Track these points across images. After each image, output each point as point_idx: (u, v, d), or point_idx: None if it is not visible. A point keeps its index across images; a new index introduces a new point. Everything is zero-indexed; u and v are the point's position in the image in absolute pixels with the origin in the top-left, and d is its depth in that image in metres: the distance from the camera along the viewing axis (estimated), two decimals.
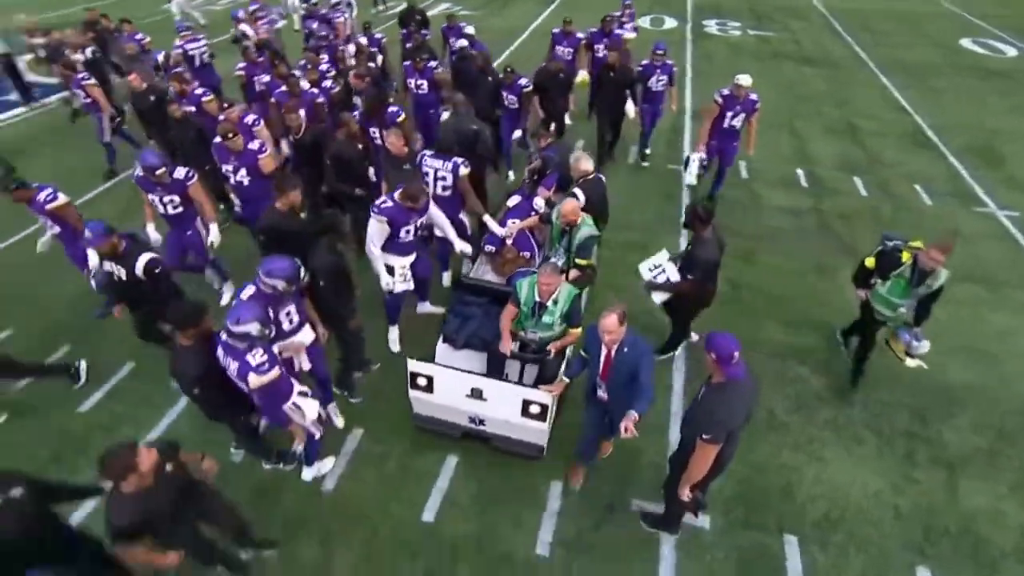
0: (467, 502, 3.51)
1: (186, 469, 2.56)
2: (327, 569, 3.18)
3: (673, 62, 6.85)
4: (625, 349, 2.92)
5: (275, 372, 2.77)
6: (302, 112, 5.17)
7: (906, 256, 3.71)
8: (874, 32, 13.08)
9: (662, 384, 4.18)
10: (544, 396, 3.31)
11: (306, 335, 3.45)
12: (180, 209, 4.64)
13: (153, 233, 4.68)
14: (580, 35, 7.68)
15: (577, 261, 3.94)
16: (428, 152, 4.59)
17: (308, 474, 3.63)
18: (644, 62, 6.81)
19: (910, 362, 3.96)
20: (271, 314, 3.13)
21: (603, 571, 3.20)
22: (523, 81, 6.16)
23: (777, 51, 11.73)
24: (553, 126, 5.70)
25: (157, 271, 3.67)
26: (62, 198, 4.35)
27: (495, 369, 3.68)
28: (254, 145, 4.89)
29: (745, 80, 5.70)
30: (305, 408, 3.08)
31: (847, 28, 13.30)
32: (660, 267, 4.05)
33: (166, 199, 4.55)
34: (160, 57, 7.68)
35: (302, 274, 3.27)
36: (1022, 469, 3.70)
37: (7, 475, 2.36)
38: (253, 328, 2.70)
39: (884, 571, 3.18)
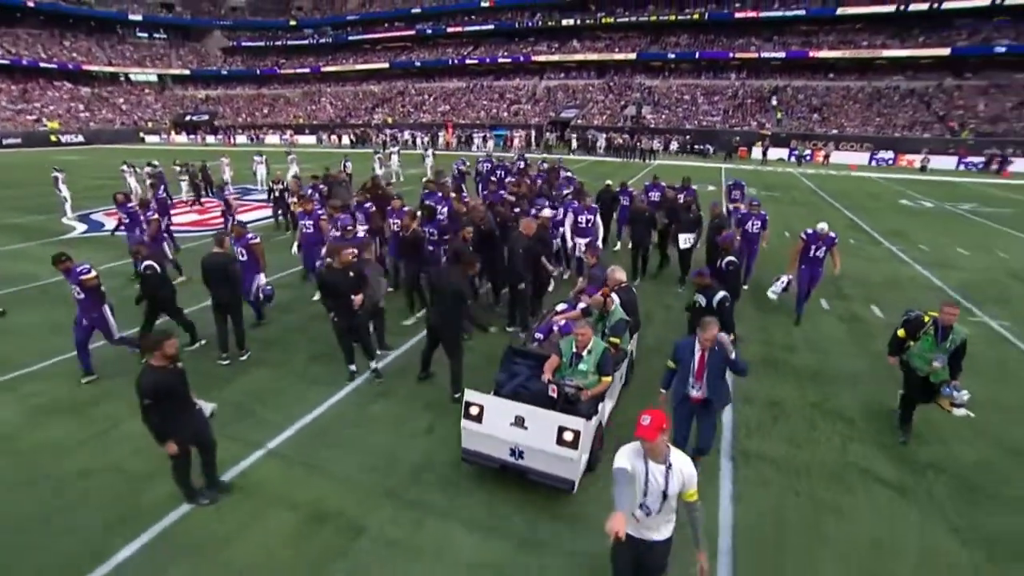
0: None
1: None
2: None
3: (766, 212, 9.36)
4: (715, 348, 4.22)
5: None
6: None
7: (927, 317, 4.88)
8: (838, 192, 20.93)
9: None
10: (577, 422, 3.94)
11: None
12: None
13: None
14: (663, 184, 11.57)
15: (610, 339, 4.98)
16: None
17: None
18: (743, 211, 9.32)
19: (957, 412, 4.83)
20: None
21: None
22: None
23: (777, 199, 19.46)
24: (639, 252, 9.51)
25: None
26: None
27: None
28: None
29: (823, 226, 7.76)
30: None
31: (822, 186, 21.26)
32: (694, 242, 9.28)
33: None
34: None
35: None
36: None
37: None
38: None
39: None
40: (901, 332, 5.15)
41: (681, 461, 2.91)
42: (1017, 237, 14.47)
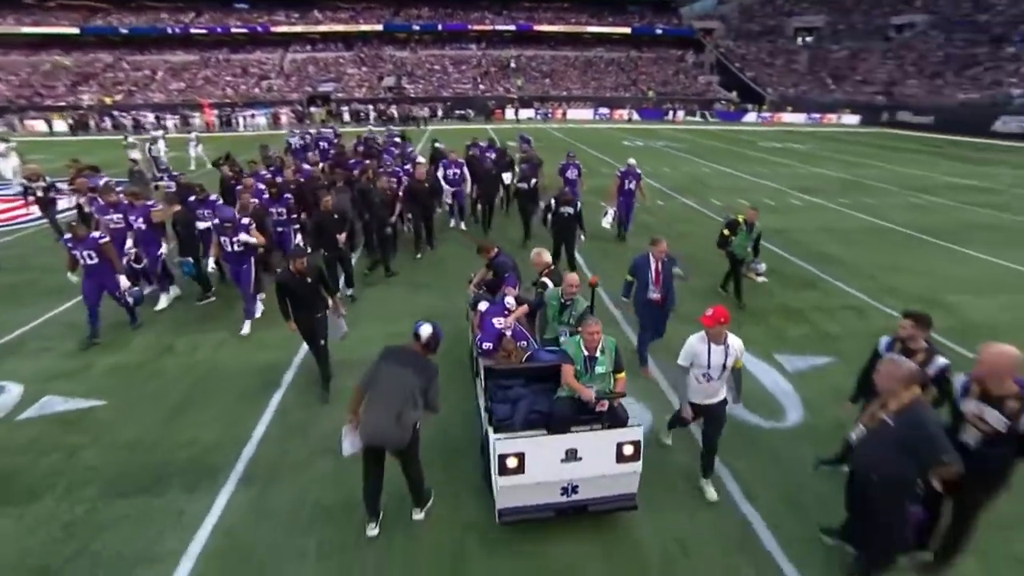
0: None
1: None
2: None
3: (580, 162, 11.75)
4: (665, 259, 5.47)
5: None
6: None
7: (740, 219, 7.37)
8: (582, 140, 27.94)
9: None
10: (634, 432, 3.72)
11: None
12: (242, 248, 6.98)
13: (212, 264, 7.32)
14: (481, 143, 14.05)
15: (579, 330, 4.48)
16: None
17: None
18: (563, 162, 11.60)
19: (759, 279, 8.02)
20: None
21: None
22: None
23: (543, 148, 25.07)
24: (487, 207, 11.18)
25: None
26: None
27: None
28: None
29: (631, 160, 10.32)
30: None
31: (570, 136, 28.05)
32: (511, 178, 14.09)
33: (234, 239, 6.93)
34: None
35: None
36: None
37: None
38: None
39: None
40: (726, 231, 7.53)
41: (733, 339, 3.83)
42: (691, 159, 22.69)
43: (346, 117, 38.19)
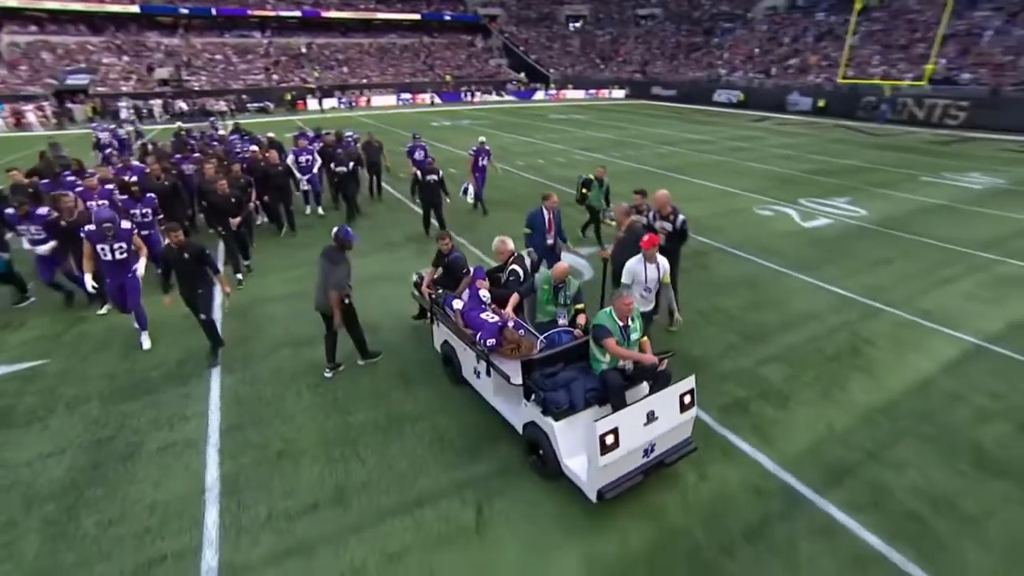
0: None
1: None
2: None
3: (425, 143, 12.71)
4: (556, 209, 6.71)
5: None
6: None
7: (592, 176, 8.82)
8: (393, 124, 29.84)
9: None
10: (691, 382, 4.17)
11: None
12: (125, 255, 6.34)
13: (90, 282, 6.45)
14: (310, 132, 15.29)
15: (577, 308, 5.22)
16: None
17: None
18: (410, 144, 12.37)
19: (611, 223, 7.74)
20: None
21: None
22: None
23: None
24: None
25: None
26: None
27: (620, 406, 4.06)
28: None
29: (482, 138, 11.91)
30: None
31: (380, 122, 29.71)
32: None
33: (115, 246, 6.23)
34: None
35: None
36: None
37: None
38: None
39: None
40: (584, 189, 8.92)
41: (662, 259, 5.12)
42: (494, 133, 26.25)
43: (123, 114, 34.16)
